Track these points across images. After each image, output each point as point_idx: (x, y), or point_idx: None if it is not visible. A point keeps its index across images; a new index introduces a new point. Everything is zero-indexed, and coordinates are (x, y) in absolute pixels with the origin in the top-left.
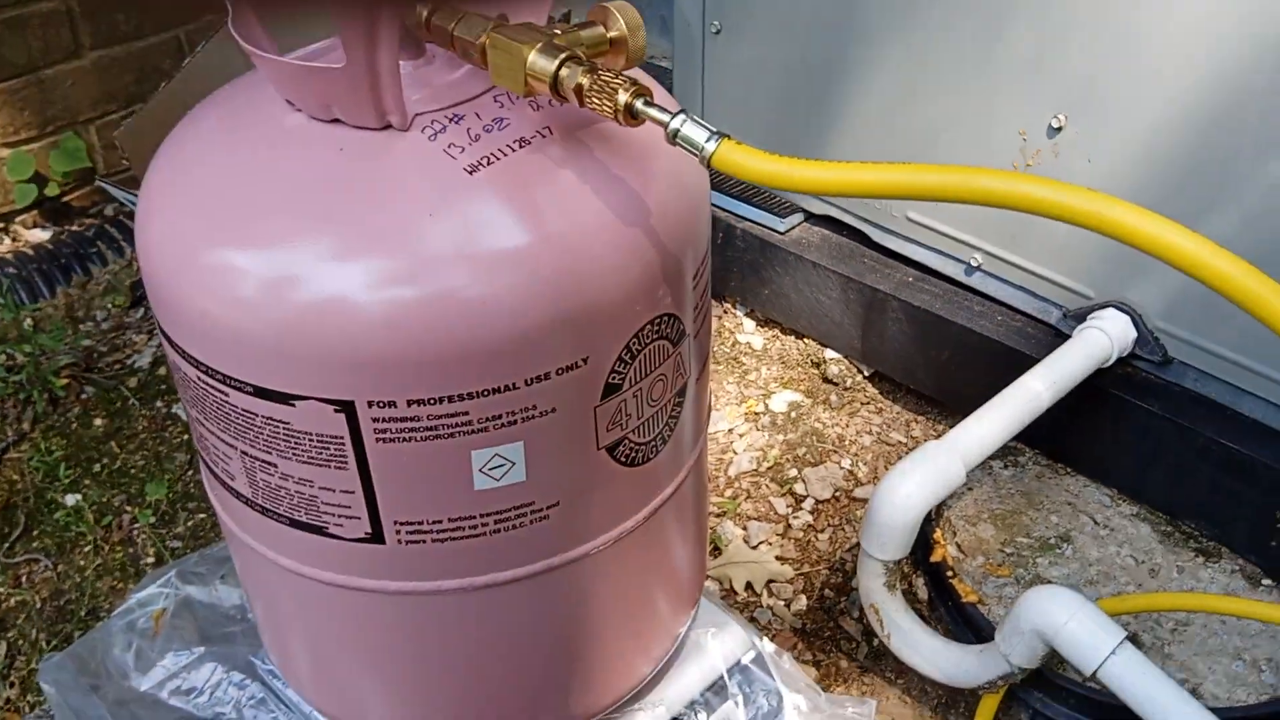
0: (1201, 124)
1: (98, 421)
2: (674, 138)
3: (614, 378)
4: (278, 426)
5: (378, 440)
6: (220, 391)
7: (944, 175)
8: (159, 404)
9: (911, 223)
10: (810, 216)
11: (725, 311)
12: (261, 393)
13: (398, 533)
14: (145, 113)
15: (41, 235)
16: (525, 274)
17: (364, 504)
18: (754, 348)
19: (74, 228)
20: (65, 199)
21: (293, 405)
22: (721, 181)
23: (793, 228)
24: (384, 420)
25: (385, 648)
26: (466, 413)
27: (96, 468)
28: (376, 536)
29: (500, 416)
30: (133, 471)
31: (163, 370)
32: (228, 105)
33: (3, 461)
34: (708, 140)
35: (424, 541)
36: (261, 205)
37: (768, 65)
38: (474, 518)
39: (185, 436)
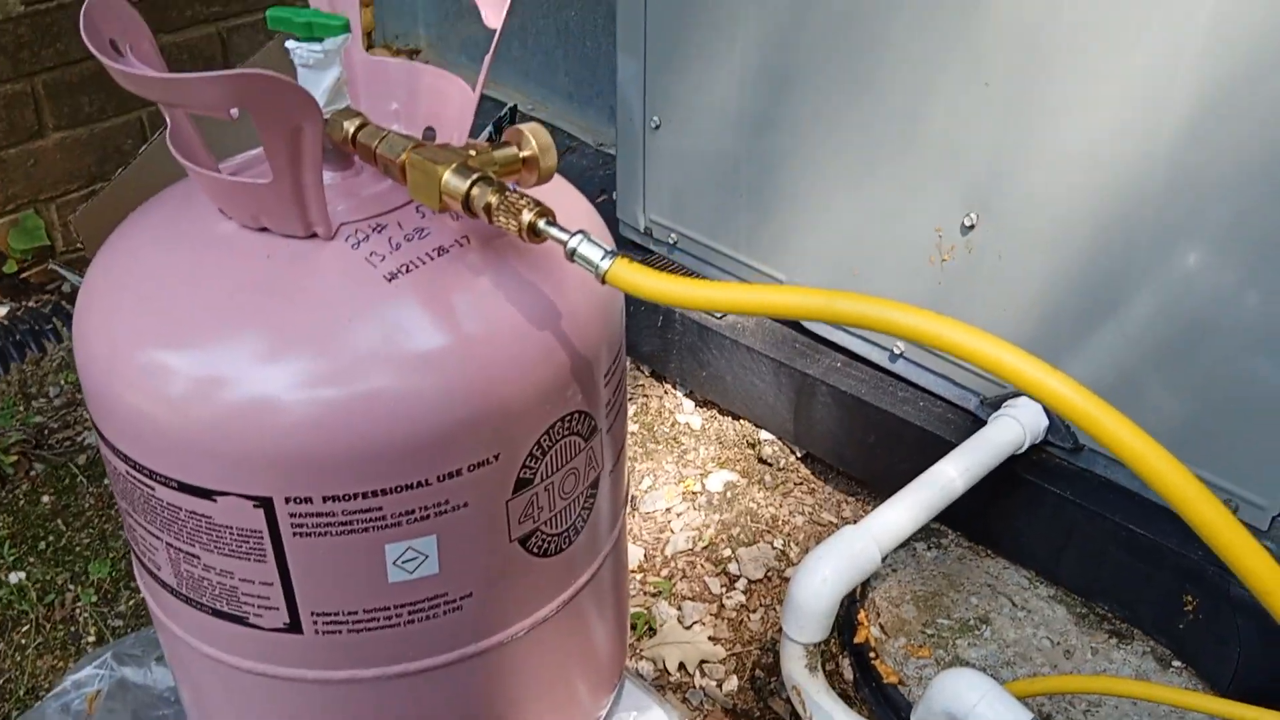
0: (1102, 221)
1: (45, 499)
2: (572, 256)
3: (525, 473)
4: (200, 520)
5: (295, 534)
6: (147, 486)
7: (806, 297)
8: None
9: None
10: None
11: (665, 392)
12: (185, 488)
13: (315, 623)
14: (101, 198)
15: None
16: (440, 375)
17: (282, 595)
18: (693, 428)
19: (31, 304)
20: (23, 275)
21: (214, 500)
22: (663, 267)
23: (729, 313)
24: (301, 515)
25: None
26: (381, 508)
27: (42, 545)
28: (294, 627)
29: (413, 511)
30: (78, 549)
31: None
32: (165, 211)
33: None
34: (602, 259)
35: (340, 632)
36: (192, 308)
37: (704, 158)
38: (388, 609)
39: None
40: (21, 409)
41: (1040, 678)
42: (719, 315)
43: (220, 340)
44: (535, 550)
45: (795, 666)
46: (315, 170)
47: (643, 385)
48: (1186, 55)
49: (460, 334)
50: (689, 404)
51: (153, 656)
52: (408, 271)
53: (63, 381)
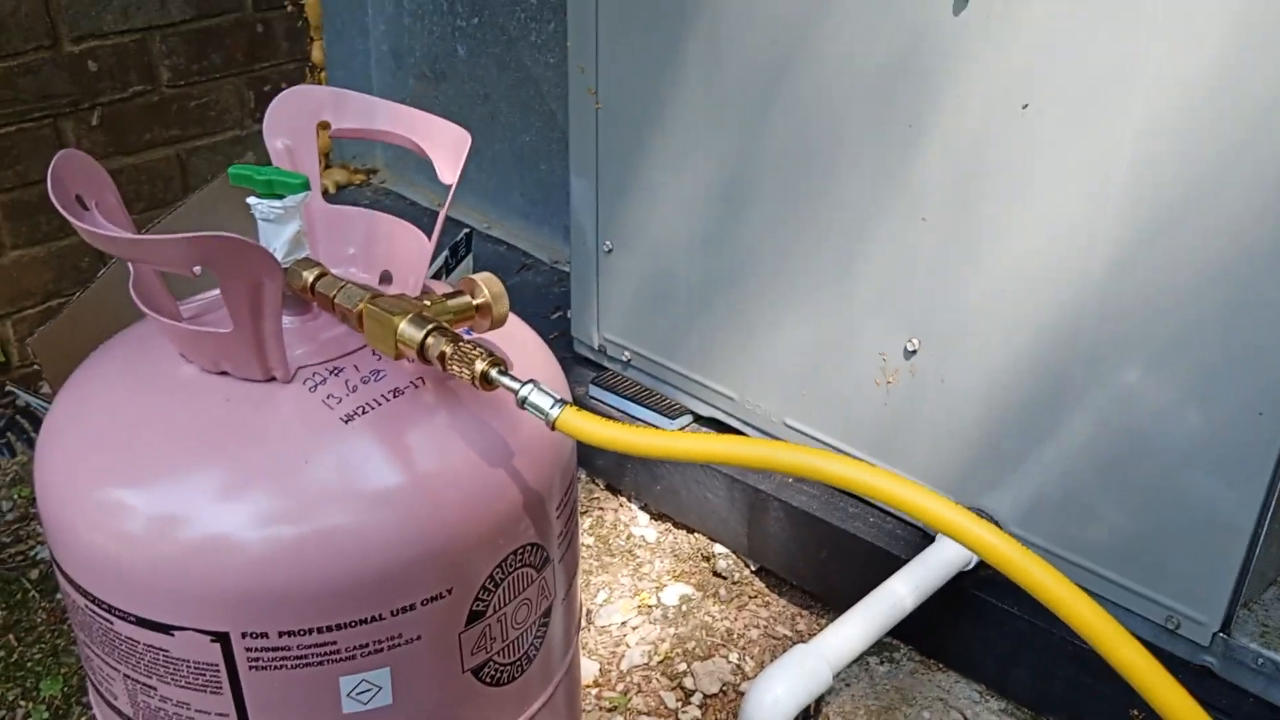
0: (1041, 342)
1: None
2: (523, 403)
3: (478, 605)
4: (158, 653)
5: (251, 668)
6: (105, 619)
7: (748, 448)
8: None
9: (789, 429)
10: (698, 418)
11: (620, 505)
12: (143, 623)
13: None
14: (58, 321)
15: None
16: (394, 512)
17: None
18: (648, 540)
19: None
20: None
21: (172, 635)
22: (616, 383)
23: (683, 429)
24: (257, 650)
25: None
26: (335, 642)
27: None
28: None
29: (367, 645)
30: (29, 664)
31: None
32: (127, 351)
33: None
34: (552, 407)
35: None
36: (152, 448)
37: (656, 278)
38: None
39: None
40: None
41: None
42: (673, 425)
43: (179, 479)
44: (488, 680)
45: None
46: (275, 320)
47: (598, 498)
48: (1115, 181)
49: (415, 472)
50: (644, 517)
51: None
52: (364, 413)
53: (15, 496)
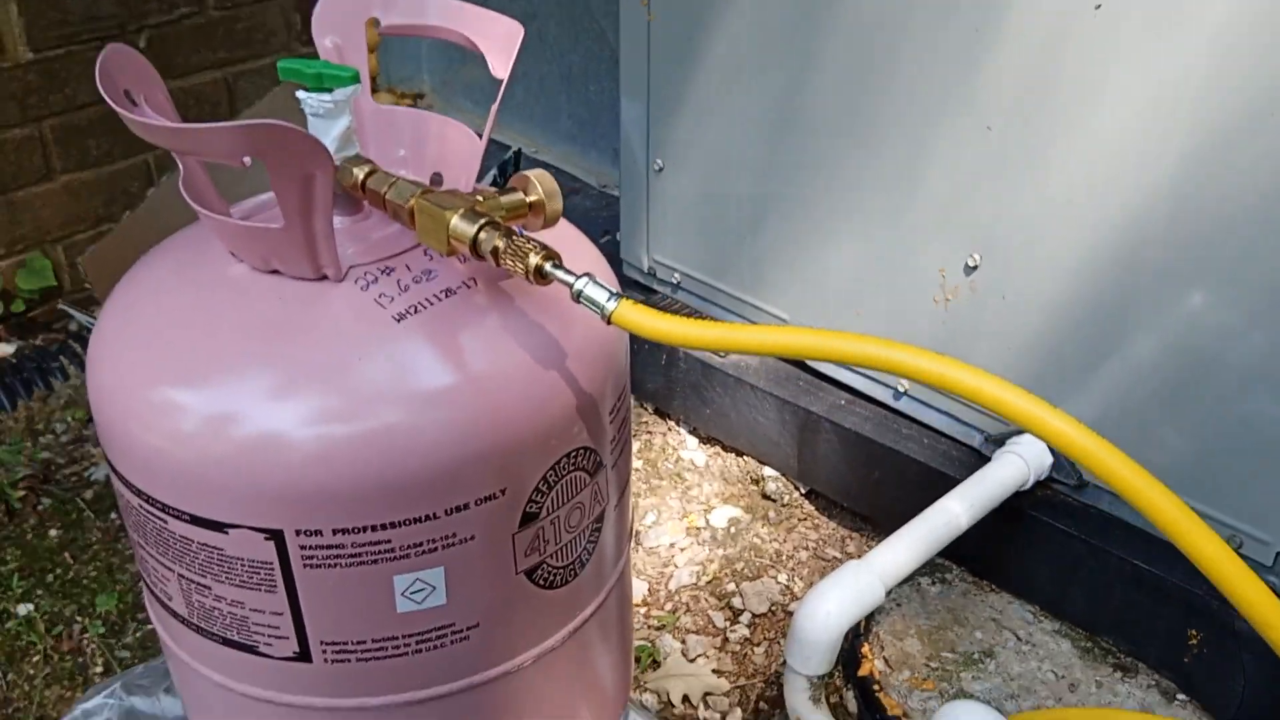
0: (1105, 258)
1: (53, 532)
2: (578, 297)
3: (531, 507)
4: (212, 552)
5: (305, 566)
6: (159, 518)
7: (807, 337)
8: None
9: None
10: None
11: (669, 429)
12: (197, 521)
13: (324, 652)
14: (109, 240)
15: (5, 349)
16: (447, 412)
17: (292, 625)
18: (696, 464)
19: (38, 343)
20: (30, 315)
21: (226, 533)
22: (667, 306)
23: (732, 351)
24: (311, 548)
25: None
26: (389, 540)
27: (50, 578)
28: (304, 656)
29: (421, 544)
30: (85, 582)
31: None
32: (179, 253)
33: None
34: (608, 300)
35: (349, 661)
36: (204, 348)
37: (706, 199)
38: (396, 638)
39: None
40: (29, 445)
41: (1044, 710)
42: (722, 354)
43: (232, 378)
44: (541, 582)
45: (799, 699)
46: (326, 216)
47: (646, 422)
48: (1188, 89)
49: (467, 372)
50: (692, 441)
51: (161, 687)
52: (416, 312)
53: (69, 418)
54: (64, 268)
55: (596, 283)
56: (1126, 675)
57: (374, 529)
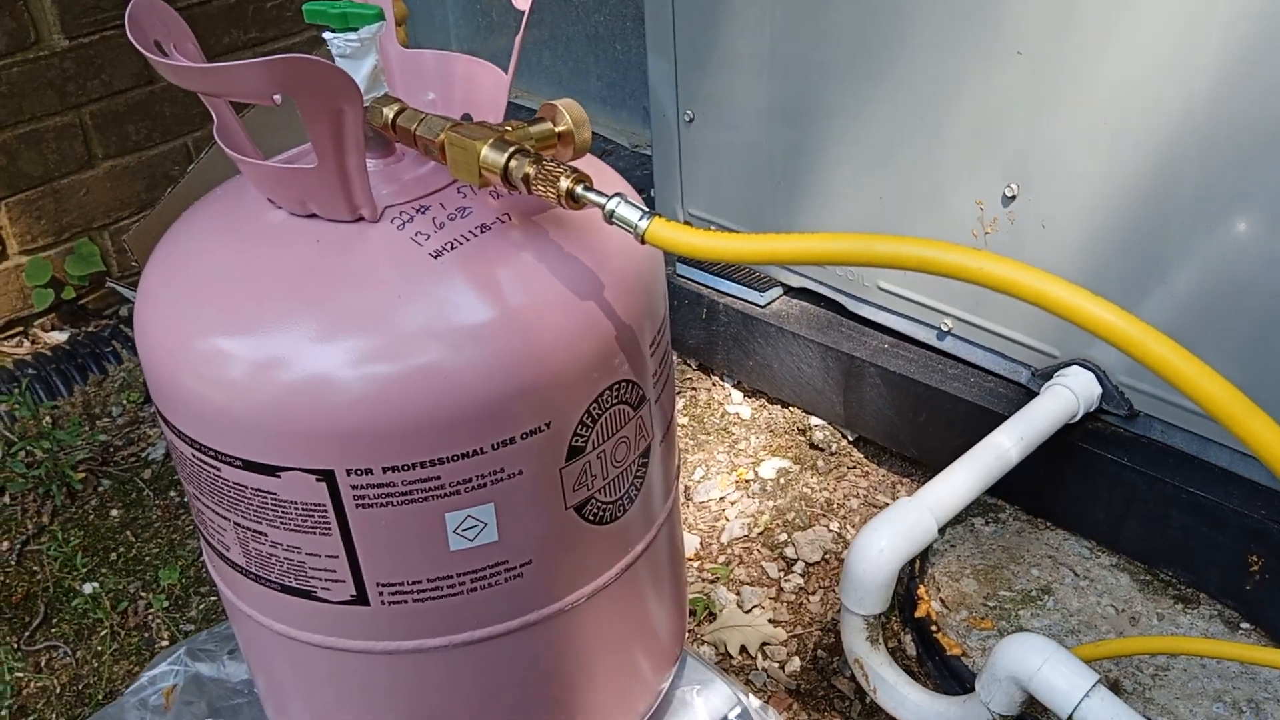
0: (1144, 181)
1: (114, 512)
2: (610, 218)
3: (577, 440)
4: (265, 497)
5: (357, 506)
6: (213, 467)
7: (843, 243)
8: (172, 494)
9: (884, 291)
10: (789, 290)
11: (714, 384)
12: (250, 465)
13: (381, 594)
14: (152, 216)
15: (59, 337)
16: (489, 347)
17: (348, 567)
18: (742, 418)
19: (90, 329)
20: (81, 302)
21: (278, 476)
22: (702, 261)
23: (772, 301)
24: (362, 487)
25: (375, 707)
26: (438, 477)
27: (113, 556)
28: (361, 598)
29: (470, 480)
30: (147, 559)
31: None
32: (216, 207)
33: (23, 553)
34: (640, 219)
35: (406, 602)
36: (247, 295)
37: (737, 149)
38: (451, 577)
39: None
40: (86, 428)
41: (1106, 640)
42: (763, 298)
43: (276, 324)
44: (591, 518)
45: (856, 639)
46: (358, 152)
47: (690, 379)
48: (1219, 8)
49: (506, 306)
50: (737, 394)
51: (225, 651)
52: (452, 249)
53: (125, 401)
54: (111, 254)
55: (628, 202)
56: (1188, 606)
57: (423, 465)
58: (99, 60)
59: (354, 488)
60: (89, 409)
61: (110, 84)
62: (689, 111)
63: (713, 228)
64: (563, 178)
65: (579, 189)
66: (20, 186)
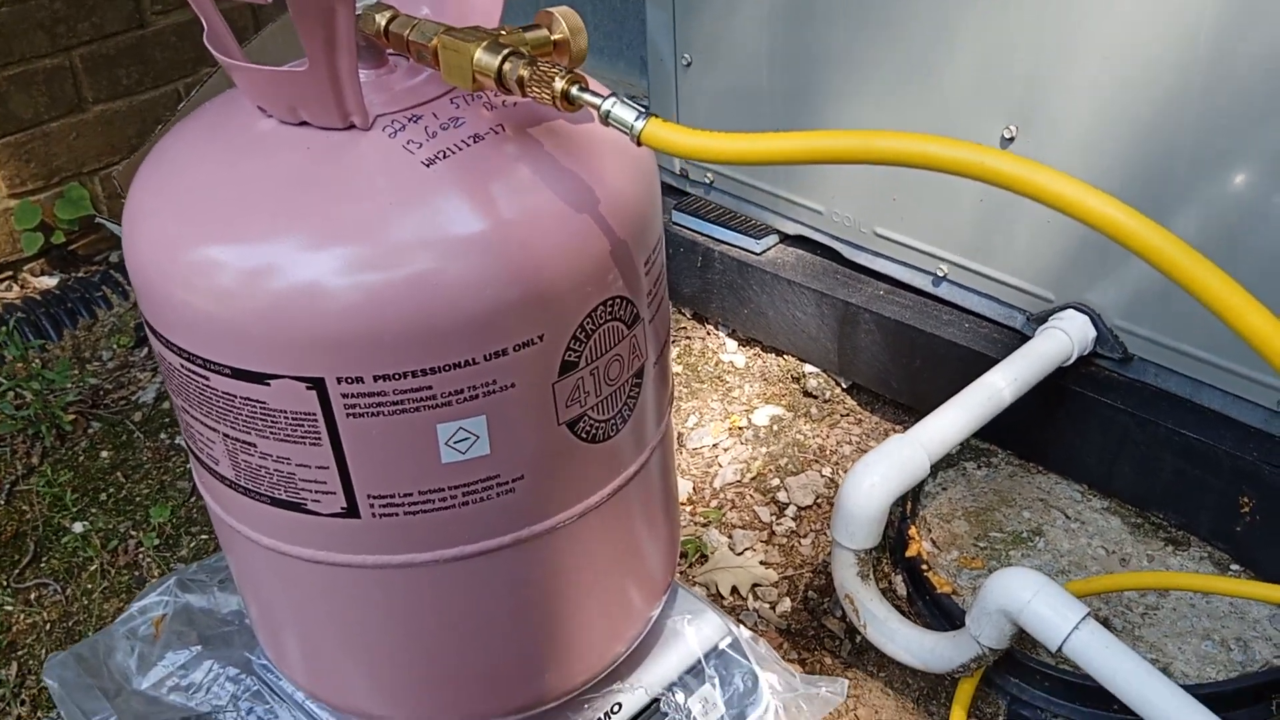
0: (1143, 125)
1: (104, 454)
2: (606, 118)
3: (570, 355)
4: (255, 406)
5: (348, 415)
6: (201, 376)
7: (842, 139)
8: (163, 436)
9: (880, 238)
10: (785, 238)
11: (708, 333)
12: (239, 374)
13: (371, 507)
14: (141, 153)
15: (49, 282)
16: (481, 257)
17: (338, 479)
18: (736, 366)
19: (80, 274)
20: (71, 247)
21: (268, 385)
22: (699, 208)
23: (768, 249)
24: (353, 396)
25: (364, 623)
26: (430, 387)
27: (103, 496)
28: (351, 511)
29: (462, 391)
30: (138, 499)
31: (166, 404)
32: (205, 120)
33: (13, 493)
34: (636, 119)
35: (396, 515)
36: (237, 204)
37: (736, 93)
38: (443, 490)
39: (188, 465)
40: (76, 372)
41: (1097, 577)
42: (759, 245)
43: (266, 232)
44: (583, 435)
45: (847, 574)
46: (350, 55)
47: (685, 327)
48: None
49: (499, 216)
50: (731, 343)
51: (215, 581)
52: (445, 158)
53: (115, 345)
54: (101, 198)
55: (624, 102)
56: (1178, 548)
57: (414, 375)
58: (89, 1)
59: (345, 396)
60: (79, 353)
61: (101, 26)
62: (686, 55)
63: (710, 176)
64: (558, 78)
65: (574, 90)
66: (9, 129)
